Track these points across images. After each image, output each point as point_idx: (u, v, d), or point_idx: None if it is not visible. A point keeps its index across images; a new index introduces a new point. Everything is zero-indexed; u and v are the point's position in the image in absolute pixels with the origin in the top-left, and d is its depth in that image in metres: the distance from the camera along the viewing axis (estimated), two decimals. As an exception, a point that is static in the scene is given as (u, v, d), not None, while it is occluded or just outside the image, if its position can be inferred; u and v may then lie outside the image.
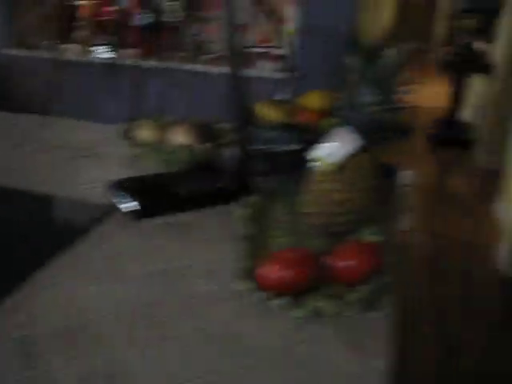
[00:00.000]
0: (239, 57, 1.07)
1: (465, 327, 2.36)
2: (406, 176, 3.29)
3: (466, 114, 5.76)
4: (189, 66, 3.02)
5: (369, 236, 0.96)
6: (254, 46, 2.78)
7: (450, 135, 4.94)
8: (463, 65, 4.80)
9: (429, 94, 7.19)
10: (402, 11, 10.12)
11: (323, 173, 0.98)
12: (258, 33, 2.81)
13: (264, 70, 2.70)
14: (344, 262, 0.84)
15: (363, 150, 0.96)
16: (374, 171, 1.00)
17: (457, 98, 5.04)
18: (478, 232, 3.27)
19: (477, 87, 5.48)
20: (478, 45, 5.20)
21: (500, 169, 3.54)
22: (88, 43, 3.45)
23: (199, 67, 2.99)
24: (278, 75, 2.67)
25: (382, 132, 0.95)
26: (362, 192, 0.98)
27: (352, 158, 0.96)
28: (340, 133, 0.95)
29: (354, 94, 0.94)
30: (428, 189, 3.89)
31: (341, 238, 0.98)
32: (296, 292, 0.81)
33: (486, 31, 5.10)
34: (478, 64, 4.77)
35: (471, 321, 2.40)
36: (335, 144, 0.94)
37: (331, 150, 0.94)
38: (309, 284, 0.82)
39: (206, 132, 1.36)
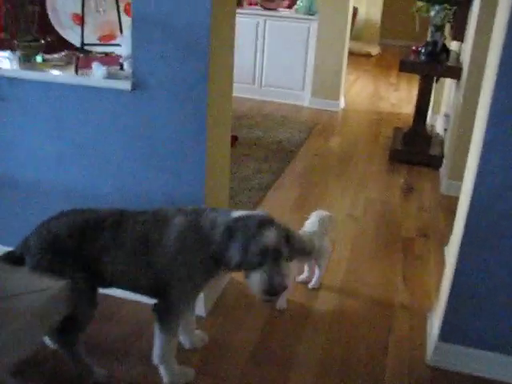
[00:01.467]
0: None
1: None
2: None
3: (437, 124, 4.96)
4: None
5: None
6: (93, 44, 2.01)
7: (415, 151, 4.13)
8: (427, 66, 3.99)
9: (396, 100, 6.25)
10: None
11: None
12: (101, 26, 2.06)
13: (95, 76, 1.88)
14: None
15: None
16: None
17: (422, 106, 4.21)
18: (411, 289, 2.48)
19: (447, 93, 4.69)
20: (448, 43, 4.40)
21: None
22: None
23: None
24: (113, 84, 1.87)
25: None
26: None
27: None
28: None
29: None
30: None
31: None
32: None
33: (456, 28, 4.30)
34: (445, 66, 3.97)
35: None
36: None
37: None
38: None
39: None
